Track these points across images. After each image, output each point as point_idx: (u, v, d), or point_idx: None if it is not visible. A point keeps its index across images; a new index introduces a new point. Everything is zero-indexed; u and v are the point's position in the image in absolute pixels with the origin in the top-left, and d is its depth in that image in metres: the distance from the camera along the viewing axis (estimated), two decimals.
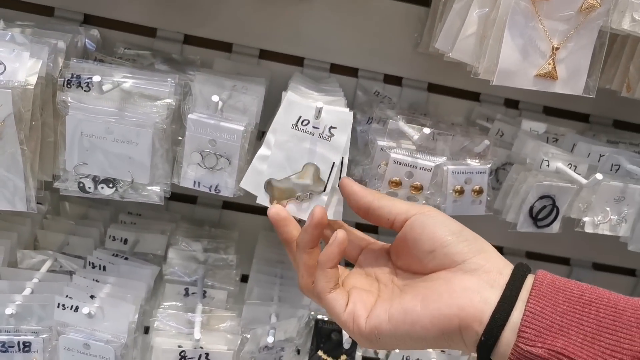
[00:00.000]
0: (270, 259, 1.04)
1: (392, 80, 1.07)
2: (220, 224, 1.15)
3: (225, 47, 1.03)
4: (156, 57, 0.96)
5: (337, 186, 0.74)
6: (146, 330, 0.95)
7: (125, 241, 0.99)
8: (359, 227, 0.87)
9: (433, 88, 1.09)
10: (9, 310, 0.76)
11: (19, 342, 0.79)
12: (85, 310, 0.77)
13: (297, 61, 1.05)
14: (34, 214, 0.99)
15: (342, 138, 0.69)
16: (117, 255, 0.92)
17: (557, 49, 0.71)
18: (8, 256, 0.88)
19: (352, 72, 1.06)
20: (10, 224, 0.94)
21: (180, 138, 0.80)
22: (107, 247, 0.96)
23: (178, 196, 1.14)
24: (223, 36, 1.01)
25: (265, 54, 1.04)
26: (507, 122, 1.02)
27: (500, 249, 1.23)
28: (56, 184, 0.79)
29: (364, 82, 1.05)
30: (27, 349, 0.80)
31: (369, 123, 0.91)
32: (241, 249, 1.06)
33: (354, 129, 0.93)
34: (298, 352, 0.94)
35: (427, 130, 0.75)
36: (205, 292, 0.93)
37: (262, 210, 1.18)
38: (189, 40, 1.02)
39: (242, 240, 1.10)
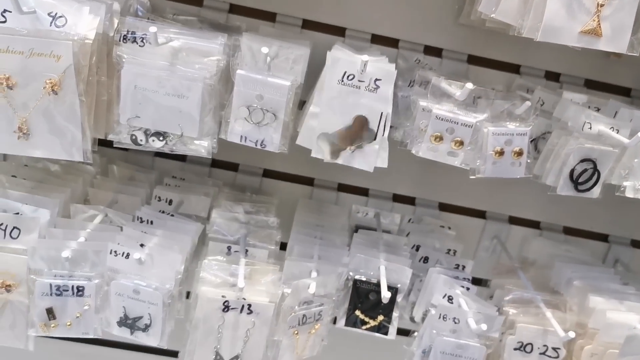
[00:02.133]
0: (310, 222, 1.06)
1: (433, 51, 1.08)
2: (260, 191, 1.18)
3: (269, 16, 1.06)
4: (203, 22, 0.99)
5: (385, 135, 0.76)
6: (187, 295, 0.99)
7: (170, 202, 1.03)
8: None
9: (473, 60, 1.10)
10: (65, 253, 0.80)
11: (73, 287, 0.83)
12: (136, 255, 0.80)
13: (339, 31, 1.07)
14: (85, 173, 1.04)
15: (388, 89, 0.71)
16: (163, 212, 0.96)
17: (602, 5, 0.72)
18: (62, 210, 0.92)
19: (393, 43, 1.08)
20: (63, 181, 0.98)
21: (226, 102, 0.83)
22: (153, 206, 1.00)
23: (220, 163, 1.17)
24: (267, 5, 1.04)
25: (307, 24, 1.06)
26: (547, 92, 1.02)
27: (536, 224, 1.24)
28: (110, 136, 0.82)
29: (405, 53, 1.06)
30: (80, 293, 0.84)
31: (410, 86, 0.92)
32: (280, 217, 1.09)
33: (394, 95, 0.95)
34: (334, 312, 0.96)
35: (470, 86, 0.76)
36: (247, 250, 0.95)
37: (301, 179, 1.21)
38: (234, 9, 1.05)
39: (281, 208, 1.12)
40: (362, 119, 0.77)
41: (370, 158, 0.79)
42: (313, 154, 0.78)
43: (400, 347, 0.99)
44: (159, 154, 1.16)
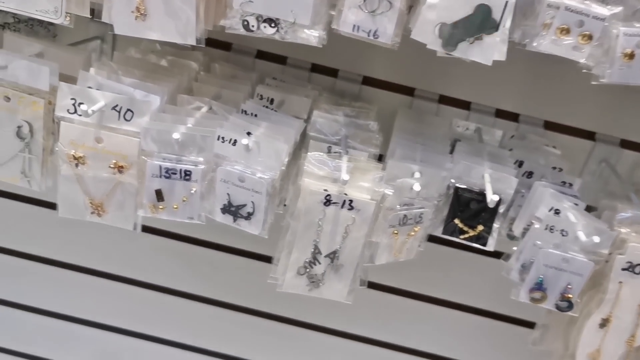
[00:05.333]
0: (411, 129, 1.04)
1: None
2: (359, 99, 1.16)
3: None
4: None
5: (507, 26, 0.72)
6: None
7: (272, 101, 1.03)
8: None
9: None
10: (176, 135, 0.82)
11: (181, 170, 0.85)
12: (244, 142, 0.81)
13: None
14: (189, 69, 1.05)
15: None
16: (267, 107, 0.96)
17: None
18: (170, 98, 0.94)
19: None
20: (171, 73, 1.00)
21: None
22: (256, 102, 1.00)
23: (320, 68, 1.16)
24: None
25: None
26: None
27: None
28: (222, 22, 0.82)
29: None
30: (187, 177, 0.86)
31: None
32: (379, 125, 1.07)
33: None
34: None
35: None
36: (347, 152, 0.94)
37: (401, 89, 1.18)
38: None
39: (380, 116, 1.10)
40: (485, 7, 0.72)
41: (489, 50, 0.74)
42: (429, 46, 0.75)
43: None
44: (260, 56, 1.16)
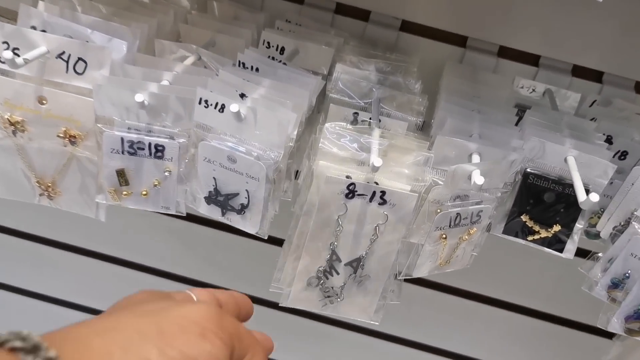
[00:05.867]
0: (463, 92, 0.79)
1: None
2: (396, 49, 0.90)
3: None
4: None
5: None
6: (296, 175, 0.77)
7: (282, 50, 0.78)
8: None
9: None
10: (139, 97, 0.58)
11: (150, 145, 0.62)
12: (233, 108, 0.57)
13: None
14: (178, 6, 0.81)
15: None
16: (273, 58, 0.72)
17: None
18: (145, 44, 0.71)
19: None
20: (150, 11, 0.76)
21: None
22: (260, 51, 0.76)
23: (347, 9, 0.90)
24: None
25: None
26: None
27: None
28: None
29: None
30: (159, 154, 0.63)
31: None
32: (422, 82, 0.82)
33: None
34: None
35: None
36: (380, 120, 0.70)
37: (450, 37, 0.93)
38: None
39: (423, 71, 0.85)
40: None
41: None
42: None
43: None
44: None
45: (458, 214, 0.63)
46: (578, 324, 1.14)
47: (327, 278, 0.65)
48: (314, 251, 0.64)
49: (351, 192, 0.61)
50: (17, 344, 0.30)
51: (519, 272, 1.10)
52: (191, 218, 1.14)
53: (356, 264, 0.64)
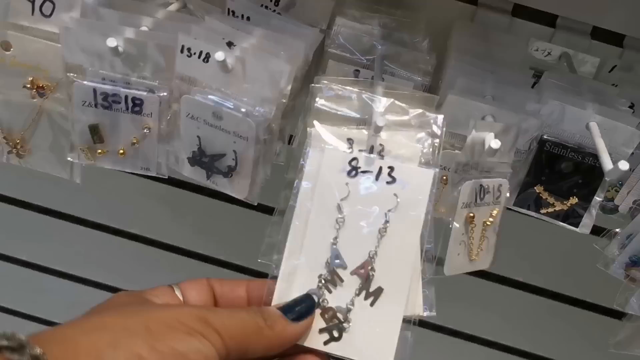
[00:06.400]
0: (475, 51, 0.72)
1: None
2: (401, 4, 0.83)
3: None
4: None
5: None
6: (289, 140, 0.70)
7: (277, 1, 0.71)
8: None
9: None
10: (112, 42, 0.51)
11: (127, 98, 0.56)
12: (219, 56, 0.50)
13: None
14: None
15: None
16: (267, 8, 0.65)
17: None
18: None
19: None
20: None
21: None
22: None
23: None
24: None
25: None
26: None
27: None
28: None
29: None
30: (137, 108, 0.56)
31: None
32: (430, 42, 0.75)
33: None
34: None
35: None
36: (383, 79, 0.64)
37: None
38: None
39: (431, 28, 0.78)
40: None
41: None
42: None
43: None
44: None
45: (482, 186, 0.56)
46: (583, 302, 1.09)
47: (329, 291, 0.50)
48: (308, 246, 0.51)
49: (354, 168, 0.52)
50: (3, 342, 0.31)
51: (524, 247, 1.05)
52: (176, 183, 1.08)
53: (363, 271, 0.50)
